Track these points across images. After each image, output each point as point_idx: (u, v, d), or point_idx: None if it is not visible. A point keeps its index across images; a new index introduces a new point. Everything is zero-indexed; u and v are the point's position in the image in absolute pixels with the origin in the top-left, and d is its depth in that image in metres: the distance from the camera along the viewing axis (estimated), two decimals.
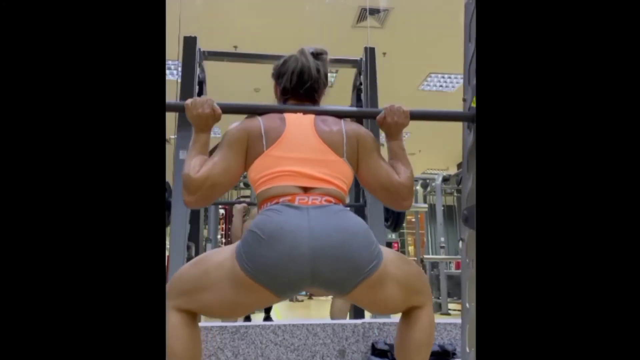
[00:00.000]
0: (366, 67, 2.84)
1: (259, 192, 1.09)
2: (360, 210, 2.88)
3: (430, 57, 5.41)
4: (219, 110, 1.13)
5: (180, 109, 1.18)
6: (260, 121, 1.11)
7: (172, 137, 3.03)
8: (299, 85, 1.19)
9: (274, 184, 1.06)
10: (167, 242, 2.60)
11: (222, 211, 5.85)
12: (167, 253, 2.43)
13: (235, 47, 4.96)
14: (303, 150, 1.08)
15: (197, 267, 1.04)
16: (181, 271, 1.06)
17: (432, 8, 4.44)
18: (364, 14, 4.61)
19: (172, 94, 2.88)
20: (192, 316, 1.04)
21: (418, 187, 7.09)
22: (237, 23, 4.74)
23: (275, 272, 0.96)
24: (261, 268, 0.96)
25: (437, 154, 8.88)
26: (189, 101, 1.13)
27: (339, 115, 1.19)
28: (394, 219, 3.06)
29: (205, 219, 4.94)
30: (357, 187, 3.11)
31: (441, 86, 6.24)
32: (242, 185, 5.98)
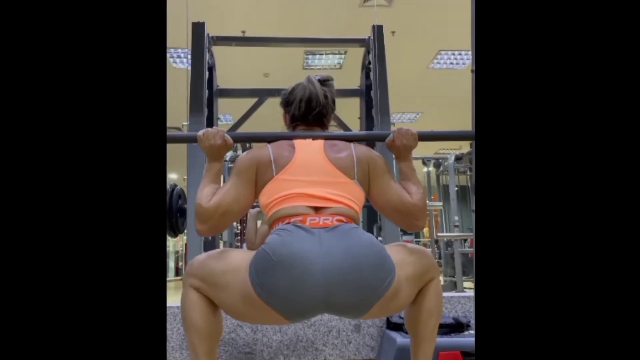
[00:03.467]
0: (374, 46, 2.82)
1: (270, 215, 1.10)
2: (374, 211, 2.86)
3: (439, 34, 5.32)
4: (231, 141, 1.17)
5: (192, 140, 1.23)
6: (269, 149, 1.14)
7: (184, 124, 3.06)
8: (308, 112, 1.21)
9: (285, 205, 1.08)
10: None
11: None
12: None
13: (243, 32, 4.94)
14: (313, 174, 1.10)
15: (218, 262, 1.06)
16: (204, 258, 1.08)
17: None
18: None
19: (183, 82, 2.90)
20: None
21: (431, 168, 7.05)
22: (243, 7, 4.71)
23: (288, 299, 0.97)
24: (272, 293, 0.97)
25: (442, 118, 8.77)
26: (200, 133, 1.17)
27: (349, 139, 1.22)
28: None
29: None
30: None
31: (451, 63, 6.14)
32: None
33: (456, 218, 5.87)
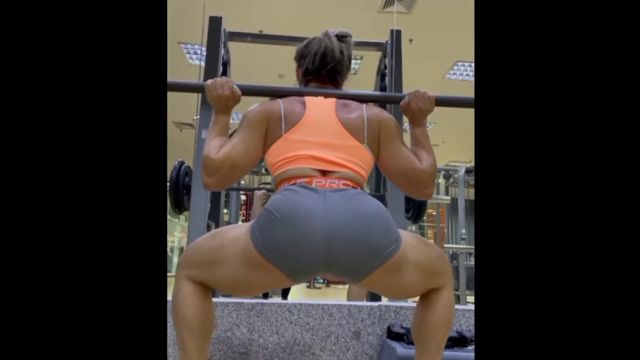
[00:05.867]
0: (392, 50, 2.79)
1: (276, 174, 1.07)
2: (380, 200, 2.84)
3: (457, 45, 5.29)
4: (239, 92, 1.13)
5: (200, 90, 1.18)
6: (280, 104, 1.10)
7: (195, 117, 3.05)
8: (322, 66, 1.17)
9: (292, 166, 1.05)
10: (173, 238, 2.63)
11: (243, 197, 5.89)
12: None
13: (261, 31, 4.95)
14: (322, 135, 1.06)
15: (213, 240, 1.03)
16: (197, 242, 1.05)
17: None
18: None
19: (197, 79, 2.88)
20: (205, 288, 1.03)
21: (440, 179, 7.00)
22: (263, 7, 4.72)
23: (289, 255, 0.94)
24: (275, 249, 0.94)
25: (461, 145, 8.73)
26: (209, 82, 1.13)
27: (362, 99, 1.17)
28: (415, 210, 3.01)
29: (226, 204, 4.98)
30: (378, 176, 3.08)
31: (467, 75, 6.10)
32: (263, 171, 5.99)
33: (463, 231, 5.79)
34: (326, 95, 1.13)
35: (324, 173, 1.04)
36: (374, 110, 1.13)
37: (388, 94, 2.50)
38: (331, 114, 1.09)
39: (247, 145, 1.07)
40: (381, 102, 1.28)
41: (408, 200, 2.93)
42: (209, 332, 1.04)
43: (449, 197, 6.15)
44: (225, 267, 0.99)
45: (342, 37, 1.19)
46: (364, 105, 1.14)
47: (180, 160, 2.96)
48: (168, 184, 2.78)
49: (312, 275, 1.02)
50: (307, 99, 1.12)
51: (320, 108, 1.10)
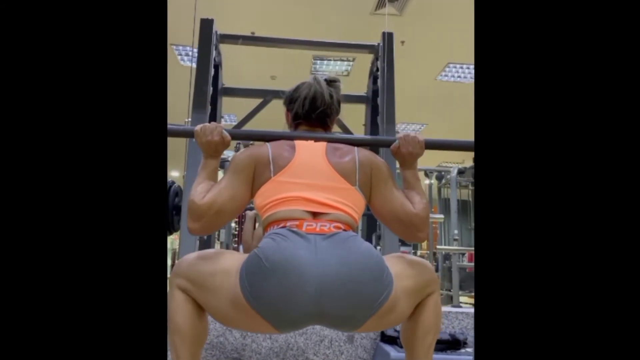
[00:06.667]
0: (384, 52, 2.79)
1: (265, 216, 1.05)
2: (373, 219, 2.82)
3: (449, 47, 5.31)
4: (229, 137, 1.13)
5: (189, 135, 1.18)
6: (268, 147, 1.09)
7: (187, 120, 3.03)
8: (312, 110, 1.16)
9: (282, 208, 1.03)
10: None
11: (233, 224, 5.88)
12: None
13: (253, 32, 4.93)
14: (312, 177, 1.05)
15: (206, 264, 1.01)
16: (193, 258, 1.03)
17: None
18: (382, 1, 4.53)
19: (189, 80, 2.86)
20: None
21: (433, 180, 7.02)
22: (255, 9, 4.71)
23: (278, 309, 0.92)
24: (264, 302, 0.92)
25: None
26: (198, 127, 1.13)
27: (352, 143, 1.17)
28: None
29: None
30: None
31: (459, 77, 6.12)
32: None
33: (456, 232, 5.83)
34: (316, 140, 1.13)
35: (315, 215, 1.02)
36: (365, 154, 1.13)
37: (379, 137, 2.46)
38: (322, 157, 1.08)
39: (234, 191, 1.05)
40: (372, 146, 1.28)
41: None
42: (203, 340, 1.03)
43: (442, 216, 6.16)
44: (214, 297, 0.97)
45: (331, 82, 1.19)
46: (355, 148, 1.14)
47: (170, 180, 2.93)
48: None
49: (301, 327, 1.00)
50: (297, 142, 1.11)
51: (310, 151, 1.09)
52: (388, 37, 2.84)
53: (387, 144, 1.21)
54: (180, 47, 5.62)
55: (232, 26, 4.21)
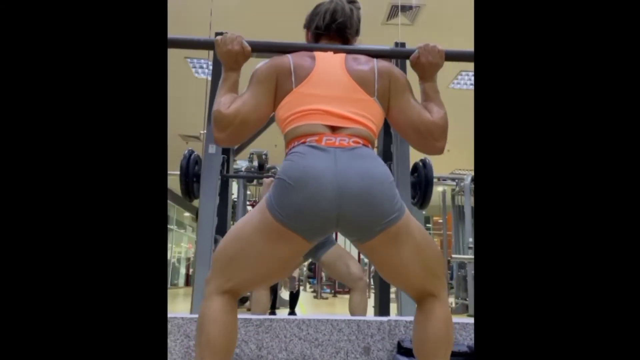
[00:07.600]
0: (396, 62, 2.80)
1: (286, 131, 1.07)
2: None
3: None
4: (249, 48, 1.14)
5: (209, 46, 1.19)
6: (289, 58, 1.10)
7: (202, 132, 3.08)
8: (332, 22, 1.17)
9: (302, 122, 1.04)
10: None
11: (249, 208, 5.92)
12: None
13: None
14: (332, 88, 1.06)
15: (229, 235, 1.05)
16: (218, 248, 1.06)
17: (463, 3, 4.34)
18: (394, 10, 4.55)
19: (204, 92, 2.90)
20: (233, 301, 1.02)
21: (446, 187, 6.99)
22: (268, 21, 4.76)
23: (304, 216, 0.96)
24: (291, 213, 0.96)
25: (467, 153, 8.71)
26: (218, 38, 1.13)
27: (371, 54, 1.16)
28: (421, 196, 2.97)
29: (233, 215, 5.00)
30: (385, 144, 3.01)
31: (472, 84, 6.11)
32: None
33: (470, 240, 5.76)
34: (336, 51, 1.13)
35: (334, 129, 1.03)
36: (384, 64, 1.13)
37: (398, 49, 2.46)
38: (341, 67, 1.08)
39: (257, 100, 1.07)
40: (390, 57, 1.26)
41: (414, 186, 2.91)
42: (231, 352, 1.02)
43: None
44: (248, 252, 1.00)
45: (351, 1, 1.21)
46: (375, 59, 1.14)
47: (190, 149, 2.99)
48: (178, 172, 2.82)
49: (326, 232, 1.02)
50: (317, 53, 1.11)
51: (330, 62, 1.10)
52: (400, 47, 2.85)
53: (406, 55, 1.19)
54: (195, 60, 5.71)
55: (248, 37, 4.28)
